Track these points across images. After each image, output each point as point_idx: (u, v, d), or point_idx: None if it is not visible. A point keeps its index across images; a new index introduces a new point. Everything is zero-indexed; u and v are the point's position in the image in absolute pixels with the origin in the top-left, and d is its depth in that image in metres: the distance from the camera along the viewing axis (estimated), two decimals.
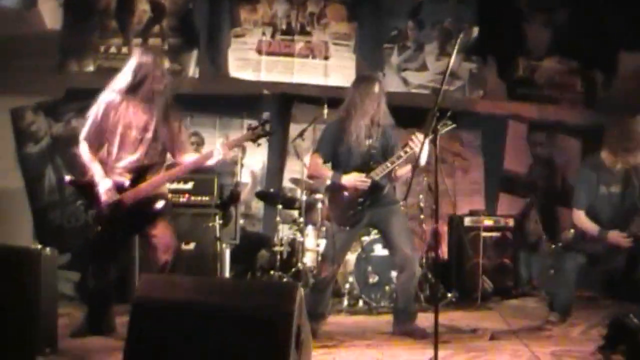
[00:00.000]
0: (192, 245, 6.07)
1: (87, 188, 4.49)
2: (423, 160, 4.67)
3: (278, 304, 2.80)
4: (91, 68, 6.90)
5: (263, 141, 4.54)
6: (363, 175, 4.90)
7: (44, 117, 7.48)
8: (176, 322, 2.76)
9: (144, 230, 4.50)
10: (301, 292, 3.00)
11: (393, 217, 5.03)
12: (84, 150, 4.49)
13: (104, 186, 4.37)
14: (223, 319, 2.76)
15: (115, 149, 4.44)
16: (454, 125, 4.67)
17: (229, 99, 7.53)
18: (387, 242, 5.17)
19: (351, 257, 6.07)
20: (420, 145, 4.48)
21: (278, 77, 7.26)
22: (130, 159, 4.44)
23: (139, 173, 4.43)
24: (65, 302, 6.26)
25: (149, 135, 4.45)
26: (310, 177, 5.56)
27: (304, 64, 7.11)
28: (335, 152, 5.05)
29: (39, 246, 3.98)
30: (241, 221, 6.92)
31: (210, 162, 4.50)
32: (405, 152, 4.81)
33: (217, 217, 6.13)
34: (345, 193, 4.96)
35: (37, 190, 7.53)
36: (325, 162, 5.07)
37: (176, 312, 2.76)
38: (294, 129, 7.53)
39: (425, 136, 4.13)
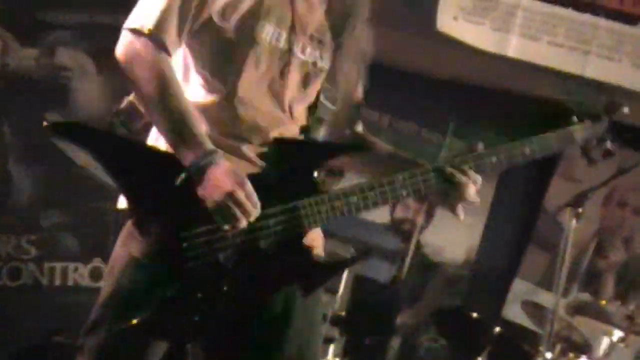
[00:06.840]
0: None
1: (139, 159, 2.15)
2: None
3: None
4: None
5: None
6: None
7: None
8: None
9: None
10: None
11: None
12: (155, 65, 2.07)
13: (220, 172, 2.05)
14: None
15: (238, 87, 2.21)
16: None
17: (423, 85, 5.11)
18: None
19: None
20: None
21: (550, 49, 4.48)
22: (280, 116, 2.28)
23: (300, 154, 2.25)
24: None
25: (326, 64, 2.37)
26: None
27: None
28: None
29: None
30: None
31: None
32: None
33: None
34: None
35: None
36: None
37: None
38: None
39: None
